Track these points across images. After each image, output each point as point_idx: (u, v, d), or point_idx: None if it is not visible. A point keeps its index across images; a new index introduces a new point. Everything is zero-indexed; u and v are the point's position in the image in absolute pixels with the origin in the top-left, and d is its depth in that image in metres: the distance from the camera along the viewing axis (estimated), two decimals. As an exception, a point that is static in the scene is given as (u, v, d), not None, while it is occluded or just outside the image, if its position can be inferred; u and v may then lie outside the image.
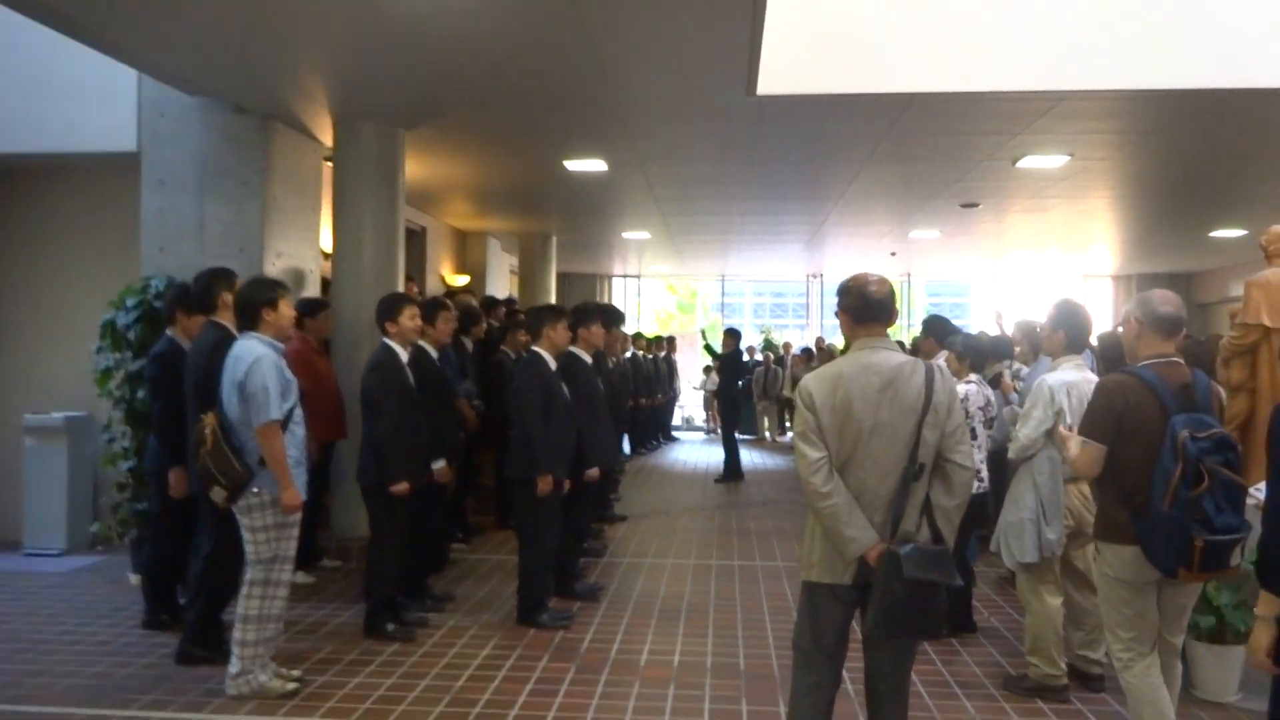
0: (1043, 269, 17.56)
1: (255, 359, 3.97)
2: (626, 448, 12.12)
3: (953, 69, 5.88)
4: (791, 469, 12.15)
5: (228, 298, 4.49)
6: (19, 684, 4.29)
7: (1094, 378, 4.30)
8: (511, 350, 7.43)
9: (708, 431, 17.48)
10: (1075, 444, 3.23)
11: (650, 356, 14.17)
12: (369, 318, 5.30)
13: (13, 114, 7.04)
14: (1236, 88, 5.74)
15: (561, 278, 15.58)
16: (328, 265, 7.05)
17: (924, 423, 2.83)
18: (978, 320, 23.71)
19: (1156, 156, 8.15)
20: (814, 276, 19.10)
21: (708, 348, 15.88)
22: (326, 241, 7.23)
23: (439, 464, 5.24)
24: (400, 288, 6.76)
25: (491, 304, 9.30)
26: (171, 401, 4.73)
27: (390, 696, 4.15)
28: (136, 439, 5.89)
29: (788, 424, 16.28)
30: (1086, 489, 4.25)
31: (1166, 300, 3.23)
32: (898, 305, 3.11)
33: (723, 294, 21.42)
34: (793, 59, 5.81)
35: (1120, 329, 3.42)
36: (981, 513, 4.97)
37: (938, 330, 5.61)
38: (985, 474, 4.90)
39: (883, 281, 3.00)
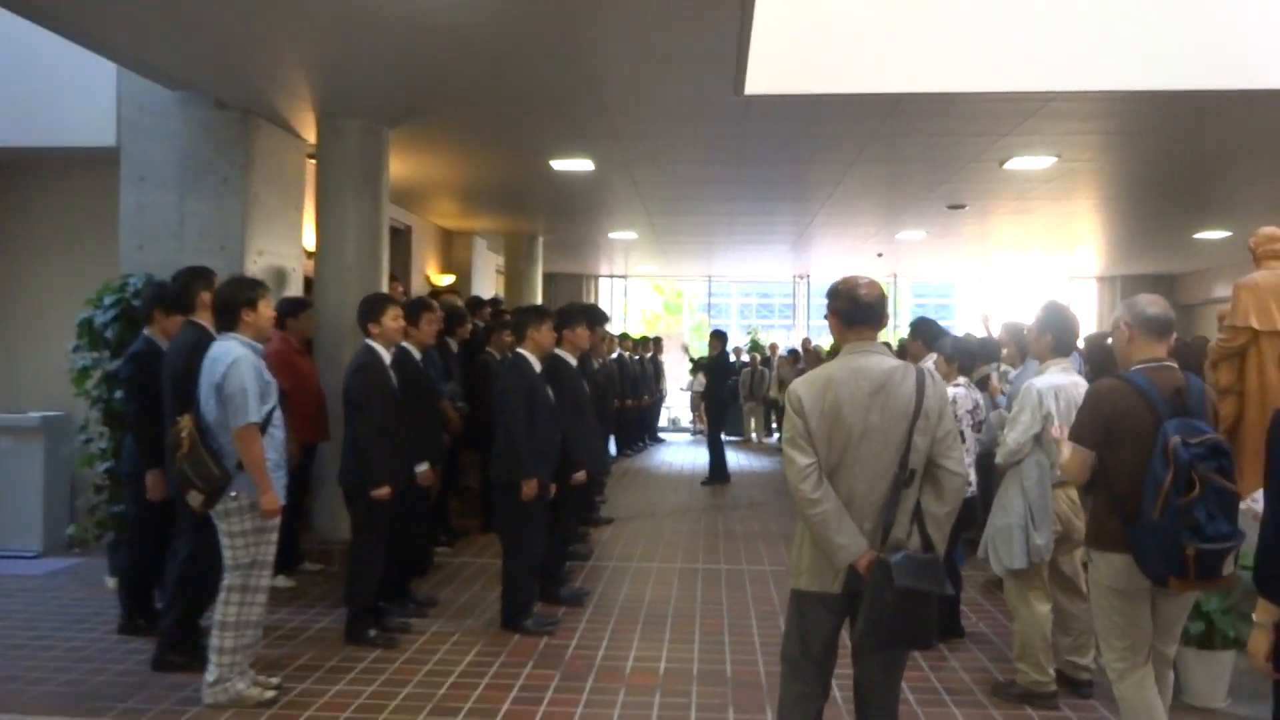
0: (1028, 270, 17.61)
1: (234, 360, 3.88)
2: (612, 449, 12.05)
3: (941, 70, 5.85)
4: (778, 471, 12.12)
5: (206, 297, 4.41)
6: (-10, 691, 4.20)
7: (1082, 381, 4.28)
8: (497, 351, 7.36)
9: (694, 433, 17.44)
10: (1067, 448, 3.19)
11: (636, 357, 14.11)
12: (352, 317, 5.22)
13: (-12, 107, 6.93)
14: (1223, 89, 5.73)
15: (548, 278, 15.49)
16: (310, 264, 6.96)
17: (915, 428, 2.78)
18: (963, 321, 23.79)
19: (1142, 158, 8.16)
20: (800, 277, 19.08)
21: (693, 360, 15.88)
22: (309, 240, 7.14)
23: (422, 467, 5.16)
24: (384, 287, 6.67)
25: (477, 304, 9.22)
26: (148, 402, 4.64)
27: (371, 705, 4.08)
28: (114, 440, 5.79)
29: (774, 425, 16.27)
30: (1074, 494, 4.23)
31: (1153, 302, 3.21)
32: (888, 308, 3.06)
33: (709, 294, 21.39)
34: (781, 58, 5.76)
35: (1111, 340, 3.38)
36: (969, 516, 4.93)
37: (926, 332, 5.57)
38: (973, 478, 4.87)
39: (873, 284, 2.95)
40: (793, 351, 16.02)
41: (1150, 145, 7.64)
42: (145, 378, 4.69)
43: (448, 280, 12.28)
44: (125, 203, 6.43)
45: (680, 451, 14.67)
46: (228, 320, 4.03)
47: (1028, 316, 5.25)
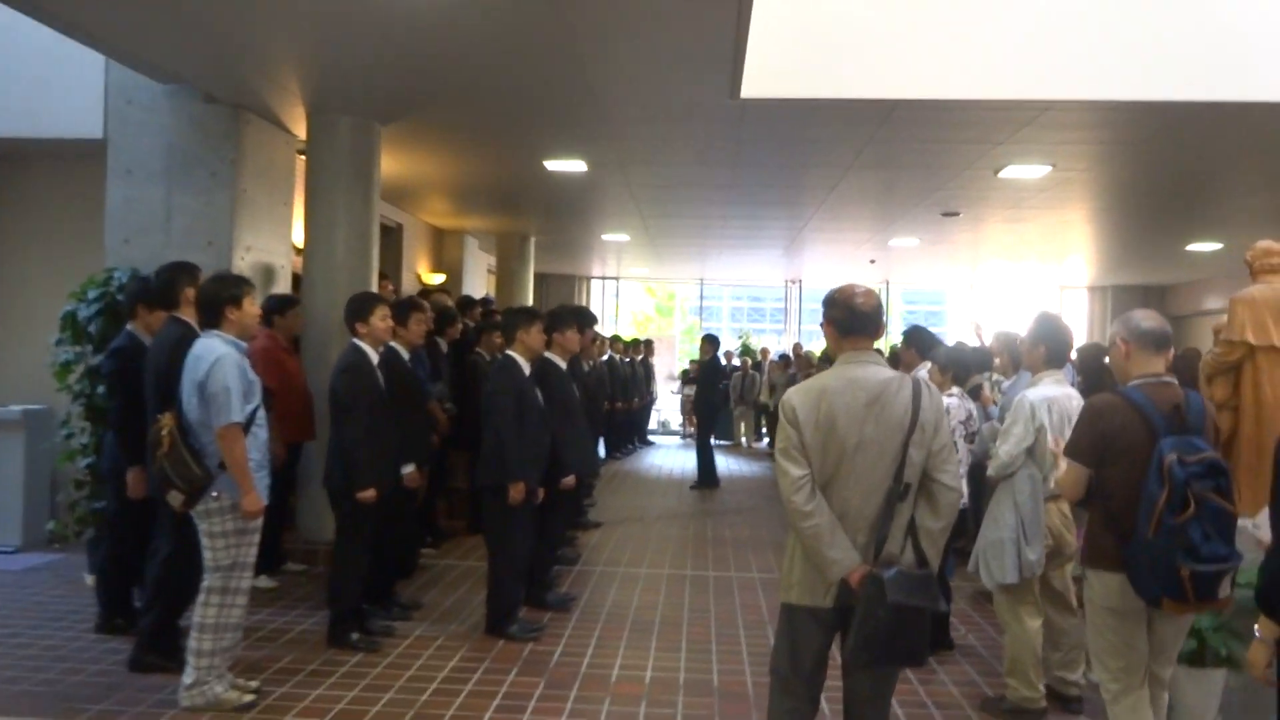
0: (1019, 279, 17.63)
1: (217, 359, 3.81)
2: (602, 451, 12.00)
3: (938, 76, 5.83)
4: (767, 476, 12.09)
5: (190, 293, 4.33)
6: (-39, 692, 4.12)
7: (1075, 393, 4.25)
8: (486, 352, 7.29)
9: (684, 436, 17.39)
10: (1062, 464, 3.15)
11: (627, 360, 14.05)
12: (340, 316, 5.14)
13: (-26, 97, 6.83)
14: (1219, 101, 5.73)
15: (539, 278, 15.45)
16: (299, 261, 6.88)
17: (910, 441, 2.73)
18: (954, 329, 23.80)
19: (1136, 169, 8.16)
20: (792, 282, 19.06)
21: (683, 372, 15.86)
22: (298, 236, 7.06)
23: (408, 469, 5.09)
24: (374, 286, 6.60)
25: (467, 304, 9.15)
26: (130, 398, 4.56)
27: (351, 711, 4.01)
28: (96, 435, 5.70)
29: (764, 430, 16.23)
30: (1066, 508, 4.19)
31: (1148, 316, 3.17)
32: (884, 317, 3.01)
33: (701, 297, 21.37)
34: (777, 62, 5.73)
35: (1109, 357, 3.33)
36: (960, 527, 4.88)
37: (919, 342, 5.52)
38: (965, 489, 4.83)
39: (870, 293, 2.90)
40: (784, 356, 15.98)
41: (1145, 156, 7.63)
42: (127, 373, 4.61)
43: (439, 279, 12.21)
44: (112, 196, 6.35)
45: (669, 455, 14.61)
46: (212, 317, 3.95)
47: (1020, 325, 5.23)
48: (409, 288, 10.90)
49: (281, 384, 5.67)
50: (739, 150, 7.68)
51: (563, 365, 5.68)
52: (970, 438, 4.96)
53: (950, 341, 6.48)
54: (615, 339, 14.00)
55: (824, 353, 12.98)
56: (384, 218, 9.80)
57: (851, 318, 2.84)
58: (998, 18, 5.77)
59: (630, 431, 14.71)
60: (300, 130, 6.80)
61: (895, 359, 6.09)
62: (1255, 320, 4.49)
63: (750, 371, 16.16)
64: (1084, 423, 3.15)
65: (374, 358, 4.85)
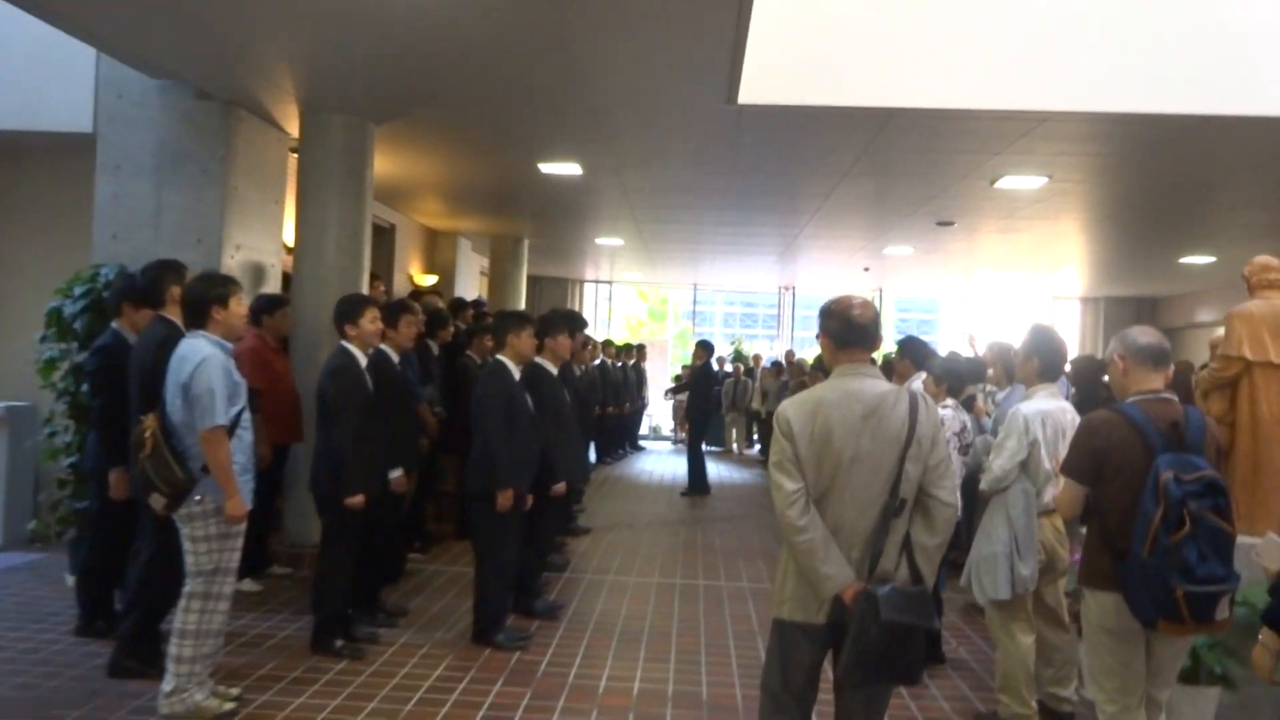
0: (1012, 289, 17.64)
1: (202, 360, 3.74)
2: (592, 456, 11.93)
3: (936, 85, 5.80)
4: (758, 483, 12.04)
5: (176, 292, 4.26)
6: (-66, 696, 4.04)
7: (1069, 406, 4.21)
8: (477, 355, 7.23)
9: (675, 442, 17.34)
10: (1059, 481, 3.10)
11: (619, 364, 13.99)
12: (330, 316, 5.07)
13: (-38, 89, 6.74)
14: (1217, 114, 5.72)
15: (532, 281, 15.38)
16: (289, 260, 6.81)
17: (907, 455, 2.69)
18: (947, 338, 23.82)
19: (1132, 181, 8.14)
20: (786, 289, 19.04)
21: (674, 380, 15.82)
22: (289, 235, 6.99)
23: (396, 473, 5.02)
24: (365, 286, 6.54)
25: (459, 306, 9.08)
26: (113, 397, 4.49)
27: (333, 720, 3.94)
28: (79, 434, 5.63)
29: (755, 436, 16.19)
30: (1059, 522, 4.15)
31: (1145, 332, 3.14)
32: (881, 329, 2.96)
33: (694, 302, 21.32)
34: (775, 68, 5.69)
35: (1107, 375, 3.29)
36: (953, 540, 4.83)
37: (914, 352, 5.49)
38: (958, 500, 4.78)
39: (867, 305, 2.85)
40: (776, 363, 15.95)
41: (1140, 168, 7.62)
42: (111, 372, 4.54)
43: (431, 281, 12.14)
44: (100, 191, 6.28)
45: (661, 460, 14.56)
46: (197, 317, 3.88)
47: (1013, 336, 5.19)
48: (401, 289, 10.83)
49: (269, 385, 5.60)
50: (735, 156, 7.64)
51: (554, 371, 5.62)
52: (964, 450, 4.92)
53: (943, 351, 6.46)
54: (607, 343, 13.94)
55: (817, 359, 12.96)
56: (377, 218, 9.74)
57: (848, 329, 2.80)
58: (997, 27, 5.74)
59: (621, 436, 14.65)
60: (293, 128, 6.73)
61: (889, 369, 6.04)
62: (1252, 336, 4.45)
63: (743, 378, 16.12)
64: (1079, 439, 3.11)
65: (362, 360, 4.79)
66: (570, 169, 8.27)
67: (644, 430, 17.19)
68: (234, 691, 4.06)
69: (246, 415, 3.93)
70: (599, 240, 13.24)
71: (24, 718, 3.84)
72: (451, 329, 7.45)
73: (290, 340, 6.24)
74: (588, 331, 10.56)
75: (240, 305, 4.00)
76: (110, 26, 5.24)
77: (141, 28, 5.18)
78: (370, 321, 4.80)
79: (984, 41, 5.74)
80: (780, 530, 2.73)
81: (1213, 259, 11.93)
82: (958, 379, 5.11)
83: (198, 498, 3.78)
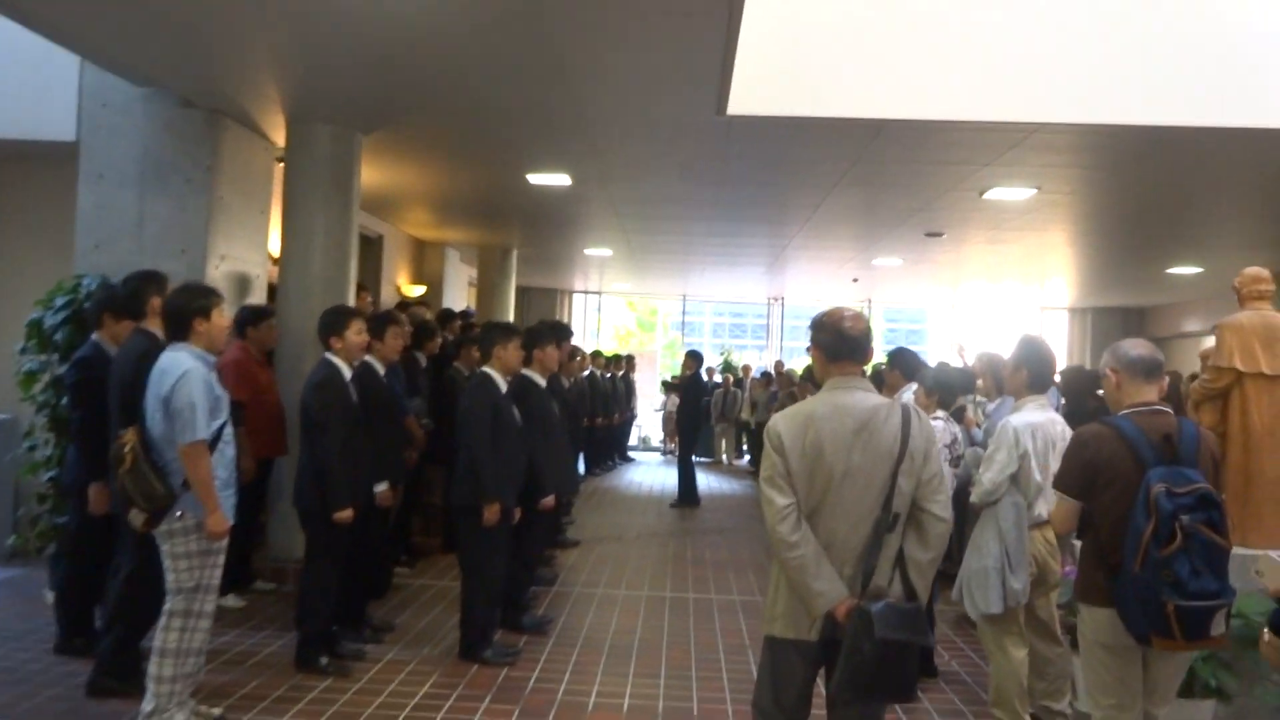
0: (1000, 299, 17.69)
1: (183, 373, 3.67)
2: (581, 468, 11.87)
3: (926, 97, 5.79)
4: (748, 495, 12.00)
5: (157, 303, 4.20)
6: (-94, 717, 3.95)
7: (1059, 418, 4.18)
8: (465, 366, 7.16)
9: (664, 452, 17.29)
10: (1054, 498, 3.07)
11: (608, 375, 13.95)
12: (316, 328, 5.01)
13: (-58, 98, 6.66)
14: (1204, 126, 5.73)
15: (521, 291, 15.33)
16: (275, 271, 6.74)
17: (899, 469, 2.65)
18: (935, 348, 23.88)
19: (1120, 192, 8.16)
20: (775, 300, 19.05)
21: (666, 381, 15.77)
22: (275, 246, 6.92)
23: (381, 487, 4.95)
24: (351, 298, 6.48)
25: (447, 317, 9.02)
26: (92, 411, 4.41)
27: (317, 739, 3.87)
28: (60, 448, 5.53)
29: (744, 447, 16.15)
30: (1051, 535, 4.11)
31: (1137, 344, 3.12)
32: (873, 342, 2.92)
33: (683, 313, 21.33)
34: (764, 79, 5.67)
35: (1102, 390, 3.27)
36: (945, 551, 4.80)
37: (905, 364, 5.46)
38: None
39: (858, 317, 2.82)
40: (765, 374, 15.93)
41: (1129, 180, 7.64)
42: (91, 384, 4.46)
43: (419, 291, 12.07)
44: (83, 201, 6.20)
45: (650, 471, 14.50)
46: (179, 330, 3.81)
47: (1002, 346, 5.17)
48: (389, 300, 10.76)
49: (253, 398, 5.54)
50: (723, 167, 7.62)
51: (542, 382, 5.57)
52: (955, 461, 4.89)
53: (932, 361, 6.44)
54: (596, 354, 13.89)
55: (806, 370, 12.95)
56: (364, 228, 9.68)
57: (840, 342, 2.76)
58: (987, 39, 5.74)
59: (610, 448, 14.60)
60: (279, 137, 6.68)
61: (879, 380, 6.01)
62: (1243, 347, 4.45)
63: (732, 388, 16.09)
64: (1071, 454, 3.09)
65: (347, 373, 4.72)
66: (559, 180, 8.24)
67: (633, 441, 17.13)
68: (216, 711, 3.98)
69: (228, 429, 3.86)
70: (588, 251, 13.21)
71: (0, 739, 3.76)
72: (439, 340, 7.39)
73: (275, 352, 6.17)
74: (576, 343, 10.52)
75: (223, 317, 3.94)
76: (94, 33, 5.18)
77: (125, 34, 5.12)
78: (355, 334, 4.74)
79: (974, 53, 5.74)
80: (771, 546, 2.68)
81: (1200, 270, 11.99)
82: (949, 390, 5.08)
83: (178, 514, 3.70)
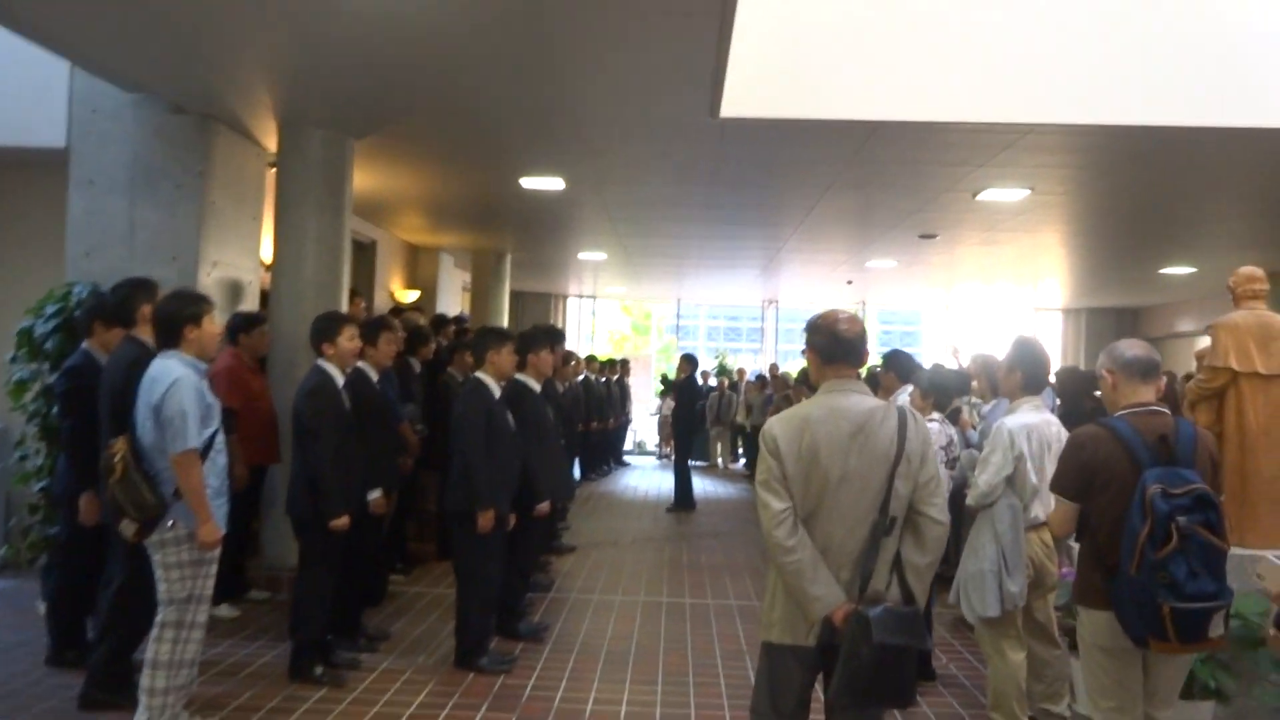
0: (994, 300, 17.71)
1: (174, 381, 3.64)
2: (577, 473, 11.84)
3: (919, 98, 5.78)
4: (744, 498, 11.97)
5: (148, 310, 4.15)
6: (-104, 731, 3.91)
7: (1054, 419, 4.17)
8: (459, 372, 7.13)
9: (660, 457, 17.26)
10: (1051, 501, 3.06)
11: (603, 379, 13.92)
12: (308, 334, 4.98)
13: (-70, 104, 6.62)
14: (1197, 126, 5.73)
15: (515, 296, 15.30)
16: (267, 277, 6.71)
17: (896, 473, 2.63)
18: (929, 349, 23.90)
19: (1114, 193, 8.17)
20: (769, 303, 19.05)
21: (662, 382, 15.74)
22: (267, 252, 6.89)
23: (375, 494, 4.92)
24: (344, 303, 6.44)
25: (441, 323, 8.99)
26: (83, 419, 4.37)
27: (311, 749, 3.83)
28: (51, 457, 5.49)
29: (739, 451, 16.14)
30: (1048, 537, 4.10)
31: (1133, 344, 3.11)
32: (868, 345, 2.90)
33: (678, 316, 21.31)
34: (758, 82, 5.66)
35: (1099, 392, 3.25)
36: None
37: (900, 366, 5.44)
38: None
39: (854, 320, 2.80)
40: (760, 377, 15.92)
41: (1122, 180, 7.64)
42: (81, 393, 4.42)
43: (412, 296, 12.04)
44: (73, 207, 6.16)
45: (645, 476, 14.47)
46: (169, 337, 3.78)
47: (997, 347, 5.16)
48: (382, 305, 10.73)
49: (245, 405, 5.50)
50: (718, 170, 7.61)
51: (537, 387, 5.55)
52: (950, 464, 4.88)
53: (927, 363, 6.43)
54: (591, 358, 13.87)
55: (801, 373, 12.93)
56: (358, 233, 9.65)
57: (835, 345, 2.74)
58: (981, 40, 5.74)
59: (606, 452, 14.56)
60: (271, 142, 6.65)
61: (874, 382, 6.00)
62: (1238, 346, 4.44)
63: (727, 392, 16.08)
64: (1067, 456, 3.08)
65: (339, 380, 4.69)
66: (553, 184, 8.22)
67: (628, 445, 17.10)
68: (208, 722, 3.95)
69: (220, 437, 3.83)
70: (582, 255, 13.20)
71: (-10, 752, 3.72)
72: (433, 346, 7.36)
73: (268, 359, 6.14)
74: (570, 347, 10.50)
75: (214, 324, 3.91)
76: (85, 38, 5.14)
77: (115, 39, 5.09)
78: (348, 340, 4.71)
79: (967, 54, 5.74)
80: (768, 550, 2.66)
81: (1193, 270, 12.01)
82: (944, 392, 5.07)
83: (170, 523, 3.67)
